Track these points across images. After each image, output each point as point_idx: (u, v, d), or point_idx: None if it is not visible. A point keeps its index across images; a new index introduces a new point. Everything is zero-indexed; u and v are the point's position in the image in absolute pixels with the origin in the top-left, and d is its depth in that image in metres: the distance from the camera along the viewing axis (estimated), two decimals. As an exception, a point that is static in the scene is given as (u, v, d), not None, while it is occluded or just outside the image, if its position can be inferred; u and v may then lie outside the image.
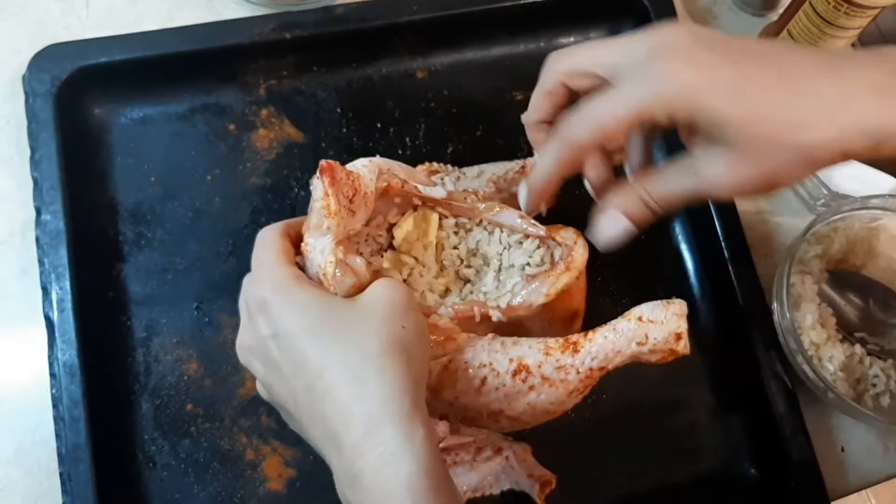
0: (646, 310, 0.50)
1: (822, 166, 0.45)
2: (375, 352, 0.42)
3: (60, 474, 0.58)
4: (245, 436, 0.62)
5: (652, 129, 0.52)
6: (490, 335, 0.51)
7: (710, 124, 0.44)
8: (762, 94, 0.43)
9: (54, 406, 0.59)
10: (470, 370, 0.50)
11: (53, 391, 0.60)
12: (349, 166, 0.50)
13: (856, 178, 0.66)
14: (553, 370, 0.50)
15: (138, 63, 0.66)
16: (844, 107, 0.42)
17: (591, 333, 0.50)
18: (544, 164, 0.50)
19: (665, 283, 0.68)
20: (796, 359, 0.61)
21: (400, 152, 0.69)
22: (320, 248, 0.47)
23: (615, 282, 0.67)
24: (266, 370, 0.46)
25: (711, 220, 0.67)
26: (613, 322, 0.51)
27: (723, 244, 0.66)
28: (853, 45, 0.73)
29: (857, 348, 0.63)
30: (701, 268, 0.69)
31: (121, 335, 0.64)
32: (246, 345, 0.47)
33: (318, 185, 0.48)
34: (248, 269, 0.64)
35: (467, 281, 0.56)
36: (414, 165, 0.66)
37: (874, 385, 0.62)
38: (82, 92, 0.66)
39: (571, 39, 0.74)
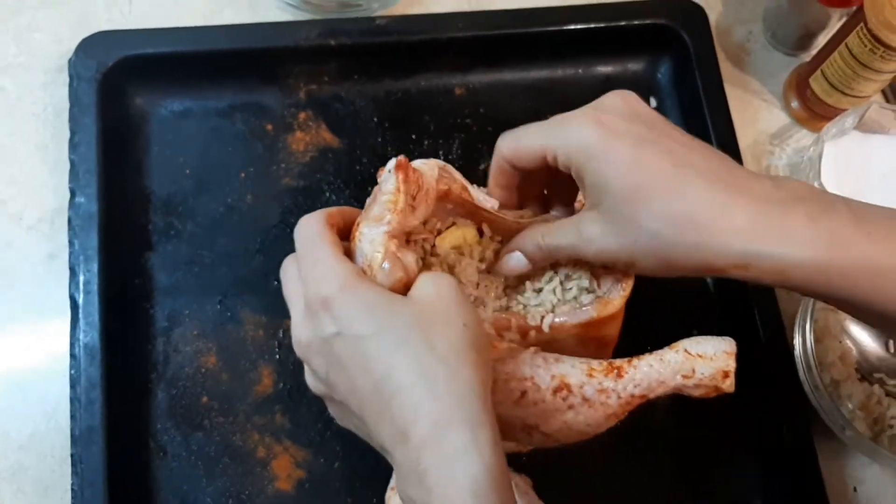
0: (694, 343, 0.51)
1: (682, 273, 0.46)
2: (444, 353, 0.42)
3: (72, 455, 0.58)
4: (258, 433, 0.62)
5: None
6: (532, 349, 0.51)
7: (594, 187, 0.46)
8: (645, 184, 0.45)
9: (72, 387, 0.60)
10: (511, 382, 0.49)
11: (72, 372, 0.60)
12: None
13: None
14: (595, 392, 0.49)
15: (183, 57, 0.68)
16: (717, 224, 0.44)
17: (636, 360, 0.50)
18: (491, 172, 0.53)
19: (686, 313, 0.68)
20: (815, 394, 0.61)
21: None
22: (370, 237, 0.46)
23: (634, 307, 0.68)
24: (329, 368, 0.45)
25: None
26: (660, 352, 0.51)
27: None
28: (883, 91, 0.75)
29: (876, 388, 0.63)
30: (723, 299, 0.69)
31: (143, 323, 0.64)
32: (304, 341, 0.46)
33: (389, 179, 0.47)
34: (275, 267, 0.64)
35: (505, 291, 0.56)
36: (446, 180, 0.67)
37: (891, 426, 0.61)
38: (126, 80, 0.67)
39: (609, 69, 0.75)
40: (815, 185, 0.66)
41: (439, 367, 0.41)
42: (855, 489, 0.66)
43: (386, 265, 0.45)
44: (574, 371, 0.50)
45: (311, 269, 0.46)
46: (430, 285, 0.45)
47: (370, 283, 0.45)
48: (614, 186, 0.45)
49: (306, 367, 0.48)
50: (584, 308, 0.52)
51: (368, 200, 0.50)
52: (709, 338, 0.51)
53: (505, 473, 0.41)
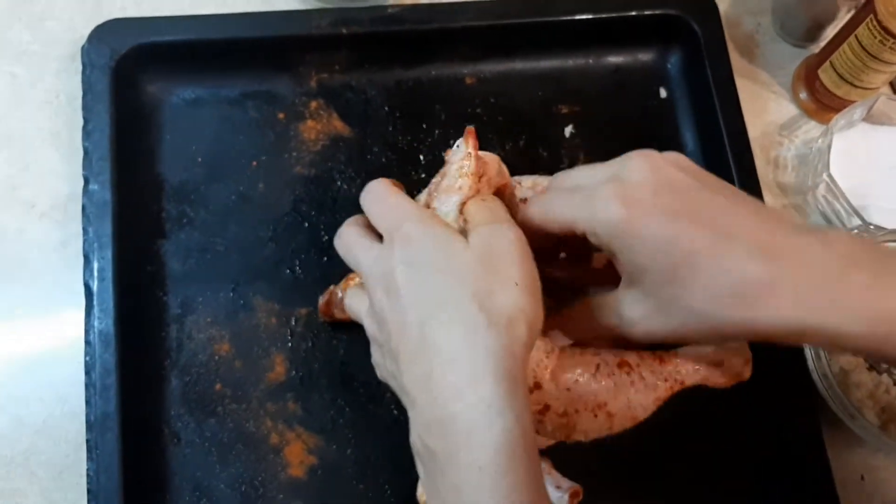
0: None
1: (735, 340, 0.47)
2: (489, 307, 0.42)
3: (87, 441, 0.59)
4: (271, 420, 0.62)
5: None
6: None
7: (630, 266, 0.46)
8: (684, 262, 0.43)
9: (87, 373, 0.60)
10: (586, 355, 0.52)
11: (87, 358, 0.60)
12: None
13: (889, 211, 0.67)
14: (648, 372, 0.52)
15: (196, 45, 0.68)
16: (766, 299, 0.42)
17: (673, 350, 0.53)
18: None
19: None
20: (824, 383, 0.62)
21: (444, 155, 0.70)
22: (446, 210, 0.49)
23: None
24: (387, 298, 0.45)
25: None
26: (690, 346, 0.54)
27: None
28: (891, 83, 0.75)
29: (885, 378, 0.63)
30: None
31: (156, 310, 0.64)
32: (375, 273, 0.47)
33: (457, 150, 0.50)
34: (288, 255, 0.66)
35: None
36: (458, 169, 0.67)
37: (900, 415, 0.62)
38: (139, 68, 0.67)
39: (620, 59, 0.75)
40: (824, 176, 0.67)
41: (481, 319, 0.42)
42: (862, 477, 0.66)
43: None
44: (629, 353, 0.52)
45: (390, 210, 0.48)
46: (489, 234, 0.46)
47: (444, 224, 0.47)
48: (652, 267, 0.44)
49: (366, 309, 0.49)
50: None
51: (435, 181, 0.52)
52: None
53: (534, 435, 0.41)
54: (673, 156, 0.47)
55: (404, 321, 0.44)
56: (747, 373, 0.54)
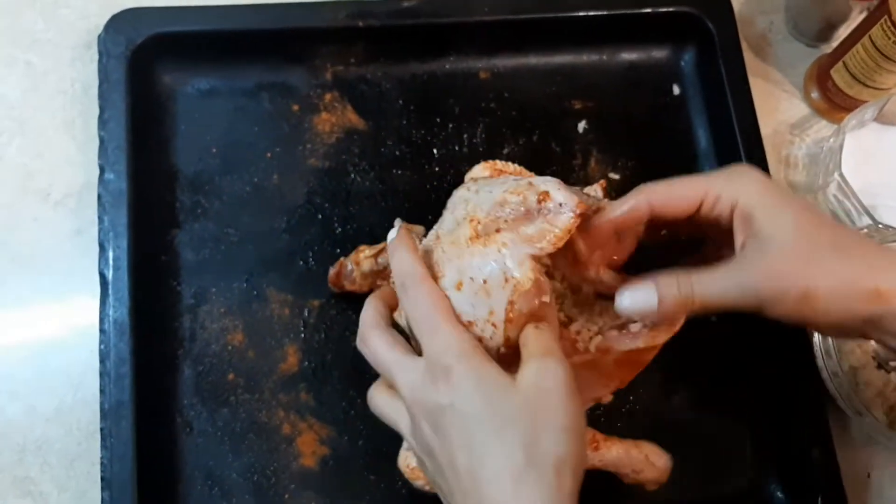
0: (653, 453, 0.60)
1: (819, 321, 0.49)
2: (537, 456, 0.43)
3: (101, 429, 0.59)
4: (283, 410, 0.63)
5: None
6: None
7: (770, 222, 0.49)
8: (814, 232, 0.49)
9: (101, 361, 0.60)
10: None
11: (102, 347, 0.60)
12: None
13: (899, 212, 0.68)
14: None
15: (212, 35, 0.68)
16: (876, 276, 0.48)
17: (609, 442, 0.59)
18: (617, 207, 0.53)
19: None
20: (834, 381, 0.62)
21: (457, 149, 0.70)
22: (519, 258, 0.48)
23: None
24: (434, 433, 0.47)
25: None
26: (628, 444, 0.59)
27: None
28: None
29: (893, 376, 0.64)
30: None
31: (170, 300, 0.64)
32: (420, 401, 0.47)
33: (565, 215, 0.48)
34: (301, 247, 0.67)
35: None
36: (471, 163, 0.68)
37: (907, 414, 0.63)
38: (155, 58, 0.67)
39: (633, 56, 0.75)
40: (836, 175, 0.67)
41: (530, 471, 0.43)
42: (869, 475, 0.67)
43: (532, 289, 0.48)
44: None
45: (432, 335, 0.48)
46: (537, 376, 0.46)
47: (485, 357, 0.47)
48: (793, 222, 0.49)
49: (408, 430, 0.49)
50: (632, 335, 0.54)
51: (514, 204, 0.50)
52: (661, 452, 0.60)
53: None
54: None
55: (454, 464, 0.45)
56: (652, 490, 0.60)
